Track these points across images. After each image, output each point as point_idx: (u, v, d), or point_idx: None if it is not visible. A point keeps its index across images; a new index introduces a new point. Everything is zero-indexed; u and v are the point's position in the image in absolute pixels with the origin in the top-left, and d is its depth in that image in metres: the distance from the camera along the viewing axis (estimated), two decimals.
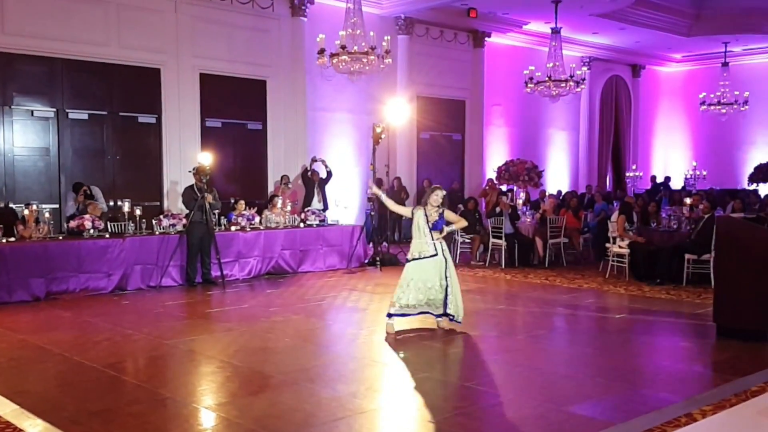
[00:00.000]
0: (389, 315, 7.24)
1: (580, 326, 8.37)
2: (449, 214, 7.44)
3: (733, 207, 12.97)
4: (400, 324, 7.28)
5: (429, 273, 7.19)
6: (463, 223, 7.83)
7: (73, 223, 9.91)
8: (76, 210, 10.66)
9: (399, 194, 15.28)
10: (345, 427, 4.67)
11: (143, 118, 13.05)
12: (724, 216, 9.25)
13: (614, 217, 12.12)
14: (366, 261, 12.51)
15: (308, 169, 14.29)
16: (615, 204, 14.34)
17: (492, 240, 12.47)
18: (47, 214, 9.97)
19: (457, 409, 5.02)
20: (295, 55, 14.65)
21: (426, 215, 7.23)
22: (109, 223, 10.44)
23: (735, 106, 20.29)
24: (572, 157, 21.77)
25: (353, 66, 12.25)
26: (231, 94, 14.02)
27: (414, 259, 7.22)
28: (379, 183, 13.44)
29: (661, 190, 19.60)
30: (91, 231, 9.87)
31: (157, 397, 5.26)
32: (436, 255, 7.20)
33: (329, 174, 14.24)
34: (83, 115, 12.37)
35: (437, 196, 7.26)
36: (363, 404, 5.13)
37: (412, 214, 7.35)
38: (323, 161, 14.27)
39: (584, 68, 20.33)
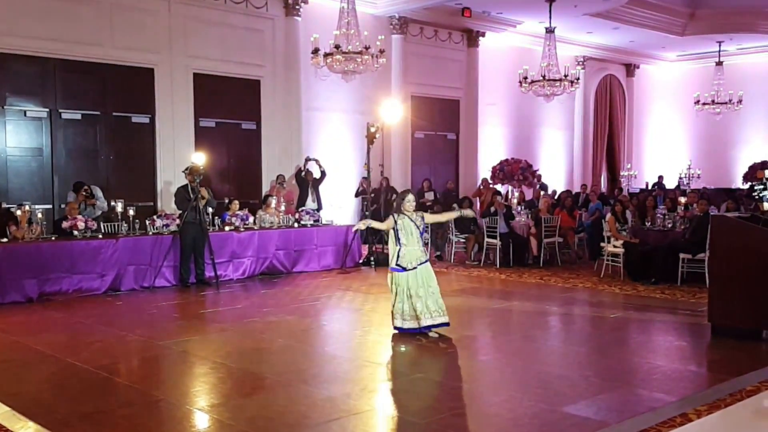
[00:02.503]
0: (407, 330, 7.03)
1: (575, 326, 8.37)
2: (430, 217, 7.48)
3: (726, 207, 12.98)
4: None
5: (423, 279, 7.03)
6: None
7: (66, 224, 9.87)
8: (83, 209, 10.60)
9: (386, 194, 15.22)
10: (339, 428, 4.65)
11: (136, 118, 13.01)
12: (719, 215, 9.24)
13: (609, 216, 12.14)
14: (360, 261, 12.49)
15: (302, 168, 14.26)
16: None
17: (487, 239, 12.45)
18: (40, 215, 9.93)
19: (451, 410, 5.00)
20: (289, 55, 14.62)
21: (413, 221, 7.09)
22: (102, 224, 10.40)
23: (729, 106, 20.35)
24: (567, 157, 21.78)
25: (347, 66, 12.24)
26: (225, 94, 13.99)
27: (412, 269, 6.99)
28: (368, 184, 13.40)
29: (655, 189, 19.62)
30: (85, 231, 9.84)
31: (149, 399, 5.23)
32: (428, 260, 7.17)
33: (323, 174, 14.21)
34: (76, 115, 12.33)
35: (411, 202, 7.15)
36: (357, 405, 5.10)
37: (395, 223, 7.10)
38: (317, 161, 14.25)
39: (578, 68, 20.33)
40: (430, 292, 7.01)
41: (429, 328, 6.99)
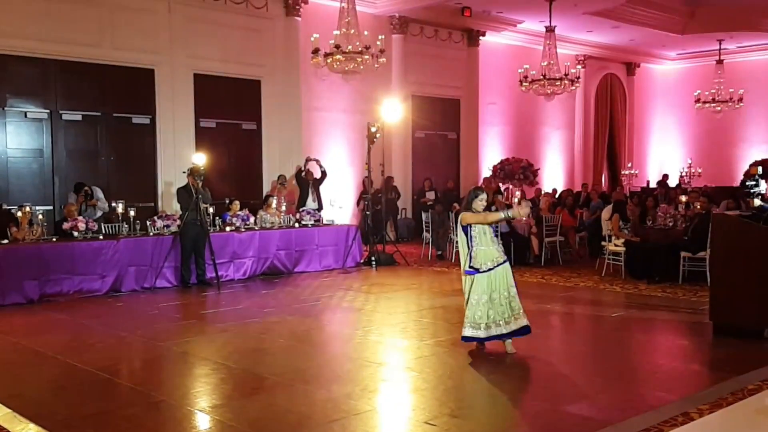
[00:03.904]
0: (477, 339, 6.49)
1: (576, 325, 8.36)
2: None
3: (727, 205, 12.96)
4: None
5: (499, 282, 6.48)
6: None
7: (66, 225, 9.87)
8: (83, 210, 10.61)
9: (388, 194, 15.23)
10: (340, 429, 4.64)
11: (137, 119, 13.00)
12: (720, 214, 9.22)
13: (604, 213, 12.13)
14: (361, 261, 12.48)
15: (302, 169, 14.26)
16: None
17: None
18: (40, 216, 9.93)
19: (452, 410, 4.99)
20: (289, 55, 14.61)
21: None
22: (103, 225, 10.40)
23: (730, 104, 20.34)
24: (567, 156, 21.76)
25: (347, 65, 12.23)
26: (225, 95, 13.98)
27: (487, 270, 6.44)
28: (371, 182, 13.35)
29: (657, 188, 19.60)
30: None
31: (150, 400, 5.23)
32: (506, 260, 6.61)
33: (324, 174, 14.21)
34: (77, 116, 12.32)
35: (482, 200, 6.58)
36: (358, 405, 5.10)
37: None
38: (317, 161, 14.25)
39: (579, 66, 20.32)
40: (504, 296, 6.43)
41: (501, 337, 6.43)
